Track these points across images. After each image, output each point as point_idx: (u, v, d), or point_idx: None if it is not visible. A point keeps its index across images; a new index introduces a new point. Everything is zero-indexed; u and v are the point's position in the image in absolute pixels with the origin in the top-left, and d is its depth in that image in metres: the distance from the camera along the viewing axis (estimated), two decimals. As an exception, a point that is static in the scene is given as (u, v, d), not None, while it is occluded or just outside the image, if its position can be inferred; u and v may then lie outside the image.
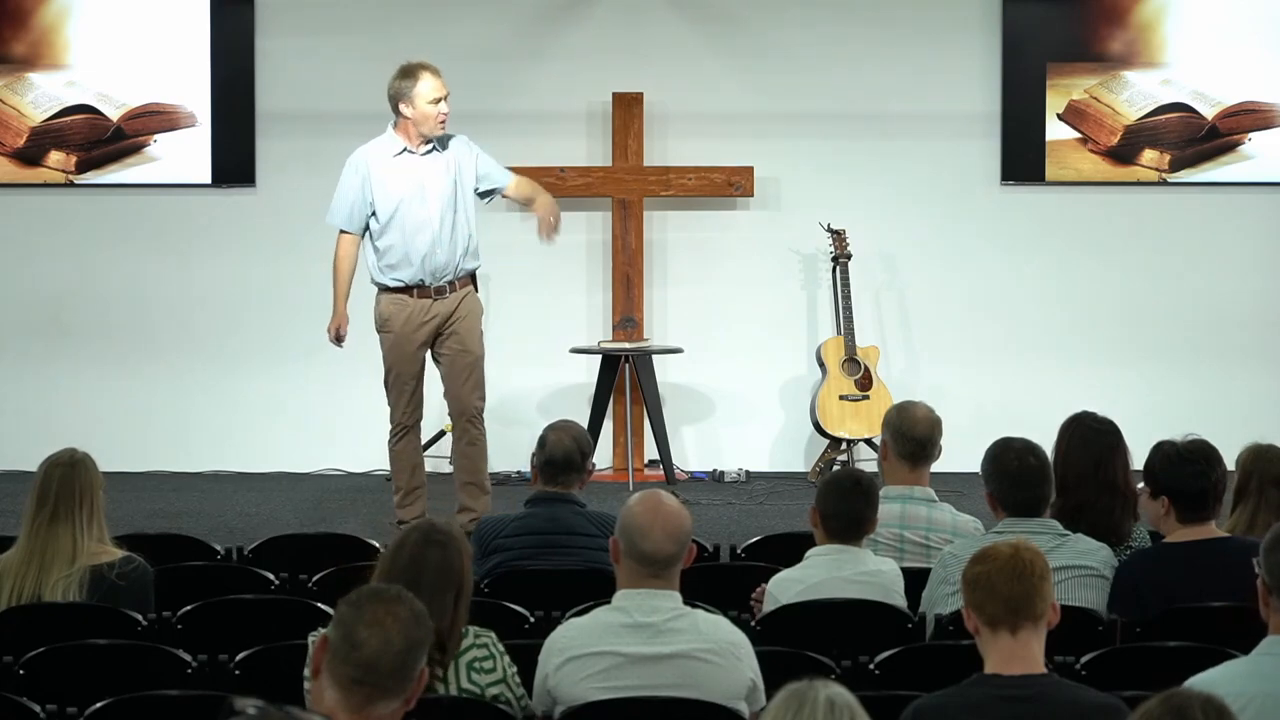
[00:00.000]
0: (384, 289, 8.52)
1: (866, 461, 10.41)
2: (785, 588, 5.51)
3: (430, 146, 8.44)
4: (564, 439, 6.17)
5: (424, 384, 8.58)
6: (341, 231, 8.51)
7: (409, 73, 8.41)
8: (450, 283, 8.51)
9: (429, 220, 8.44)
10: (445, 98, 8.40)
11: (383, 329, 8.53)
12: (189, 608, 5.48)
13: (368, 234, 8.51)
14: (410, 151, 8.44)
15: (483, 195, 8.64)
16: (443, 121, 8.40)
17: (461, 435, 8.56)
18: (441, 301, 8.49)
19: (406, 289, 8.46)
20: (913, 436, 6.14)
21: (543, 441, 6.21)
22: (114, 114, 10.99)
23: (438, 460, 10.92)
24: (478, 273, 11.00)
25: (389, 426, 8.55)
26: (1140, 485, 5.56)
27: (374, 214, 8.46)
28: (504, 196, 8.79)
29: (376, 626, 3.48)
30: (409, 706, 3.55)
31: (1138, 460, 5.94)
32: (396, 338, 8.47)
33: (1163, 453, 5.49)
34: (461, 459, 8.57)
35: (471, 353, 8.51)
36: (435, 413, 10.98)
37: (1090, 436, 5.86)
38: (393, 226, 8.43)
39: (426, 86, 8.37)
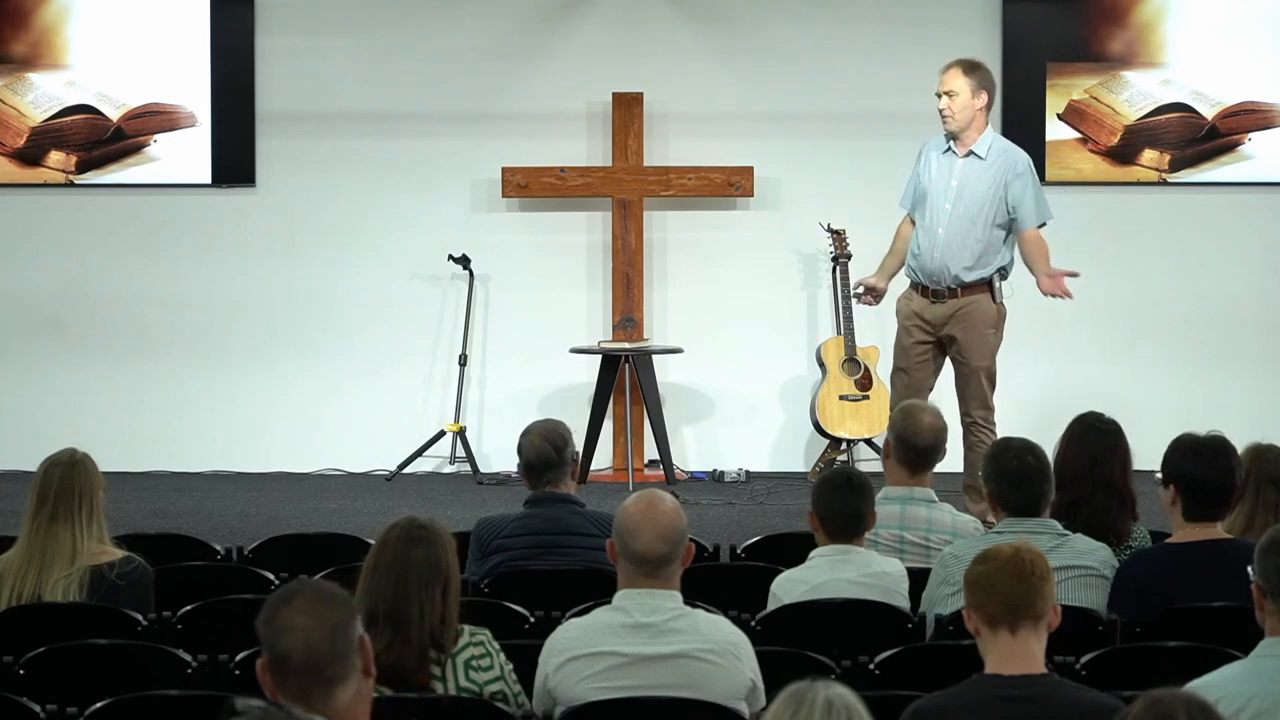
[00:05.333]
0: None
1: (866, 461, 10.42)
2: (789, 588, 5.51)
3: (970, 152, 8.47)
4: (534, 440, 6.16)
5: (926, 384, 8.52)
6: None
7: None
8: (949, 289, 8.46)
9: (938, 222, 8.47)
10: (943, 94, 8.46)
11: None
12: (189, 608, 5.48)
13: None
14: (953, 152, 8.51)
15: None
16: (942, 117, 8.46)
17: (964, 437, 8.44)
18: (940, 305, 8.48)
19: (914, 285, 8.56)
20: (915, 445, 6.14)
21: (519, 449, 6.22)
22: (114, 114, 10.99)
23: (438, 460, 10.93)
24: (476, 271, 11.03)
25: None
26: (1157, 475, 5.56)
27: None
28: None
29: (289, 630, 3.46)
30: (371, 676, 3.55)
31: (1141, 461, 5.95)
32: (897, 330, 8.60)
33: (1179, 442, 5.50)
34: (964, 462, 8.45)
35: (967, 364, 8.46)
36: (435, 413, 11.00)
37: (1089, 434, 5.88)
38: (919, 219, 8.56)
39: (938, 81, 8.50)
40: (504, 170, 10.85)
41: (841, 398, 10.56)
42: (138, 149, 11.02)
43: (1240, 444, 5.74)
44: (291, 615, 3.47)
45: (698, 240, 11.11)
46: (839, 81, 11.03)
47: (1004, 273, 8.56)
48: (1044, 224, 8.62)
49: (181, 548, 6.59)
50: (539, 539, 6.06)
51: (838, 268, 10.69)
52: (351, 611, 3.56)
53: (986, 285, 8.50)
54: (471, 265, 10.85)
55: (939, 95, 8.52)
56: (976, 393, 8.47)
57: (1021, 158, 8.56)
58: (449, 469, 10.94)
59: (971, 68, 8.53)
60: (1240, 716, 3.95)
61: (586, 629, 4.64)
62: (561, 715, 4.49)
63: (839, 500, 5.59)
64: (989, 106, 8.58)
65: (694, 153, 10.94)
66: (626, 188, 10.89)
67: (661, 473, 10.47)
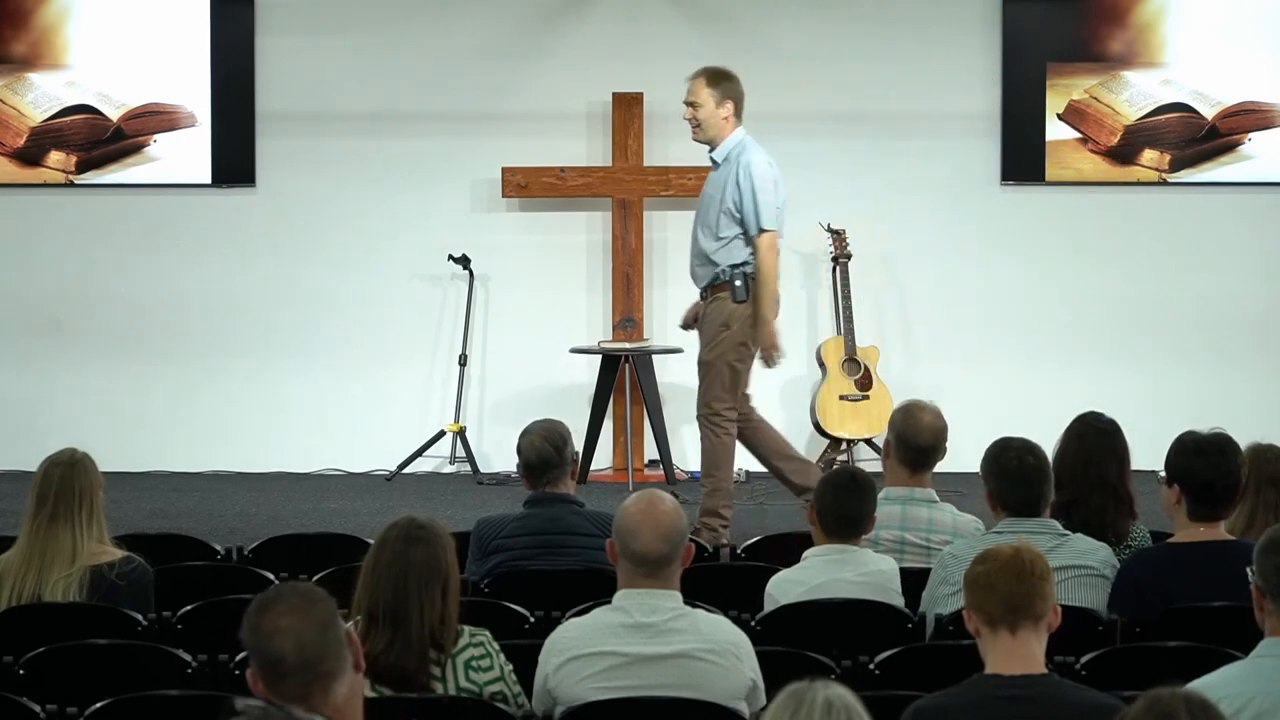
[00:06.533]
0: None
1: (866, 461, 10.41)
2: (786, 589, 5.51)
3: (714, 159, 8.40)
4: (534, 441, 6.17)
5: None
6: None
7: None
8: (703, 291, 8.44)
9: (695, 228, 8.48)
10: (689, 103, 8.39)
11: None
12: (189, 608, 5.49)
13: None
14: (712, 159, 8.46)
15: None
16: (689, 124, 8.40)
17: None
18: (703, 305, 8.48)
19: None
20: (915, 445, 6.12)
21: (518, 449, 6.22)
22: (114, 114, 10.99)
23: (438, 460, 10.94)
24: (476, 271, 11.02)
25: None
26: (1160, 473, 5.55)
27: None
28: None
29: (278, 632, 3.46)
30: (361, 670, 3.56)
31: (1141, 461, 5.95)
32: None
33: (1181, 441, 5.49)
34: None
35: (702, 361, 8.43)
36: (435, 413, 11.00)
37: (1087, 434, 5.87)
38: None
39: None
40: (504, 170, 10.85)
41: (841, 398, 10.57)
42: (138, 149, 11.02)
43: (1241, 444, 5.73)
44: (277, 618, 3.48)
45: (698, 240, 11.10)
46: (839, 81, 11.03)
47: (739, 271, 8.31)
48: (765, 231, 8.26)
49: (181, 548, 6.59)
50: (539, 539, 6.06)
51: (837, 268, 10.70)
52: (335, 607, 3.57)
53: (727, 286, 8.35)
54: (471, 265, 10.85)
55: (688, 105, 8.41)
56: (701, 389, 8.40)
57: (744, 161, 8.30)
58: (449, 469, 10.94)
59: (715, 78, 8.37)
60: (1240, 717, 3.95)
61: (586, 629, 4.64)
62: (561, 715, 4.49)
63: (842, 499, 5.59)
64: (737, 114, 8.35)
65: (694, 153, 10.84)
66: (626, 188, 10.89)
67: (661, 473, 10.47)
